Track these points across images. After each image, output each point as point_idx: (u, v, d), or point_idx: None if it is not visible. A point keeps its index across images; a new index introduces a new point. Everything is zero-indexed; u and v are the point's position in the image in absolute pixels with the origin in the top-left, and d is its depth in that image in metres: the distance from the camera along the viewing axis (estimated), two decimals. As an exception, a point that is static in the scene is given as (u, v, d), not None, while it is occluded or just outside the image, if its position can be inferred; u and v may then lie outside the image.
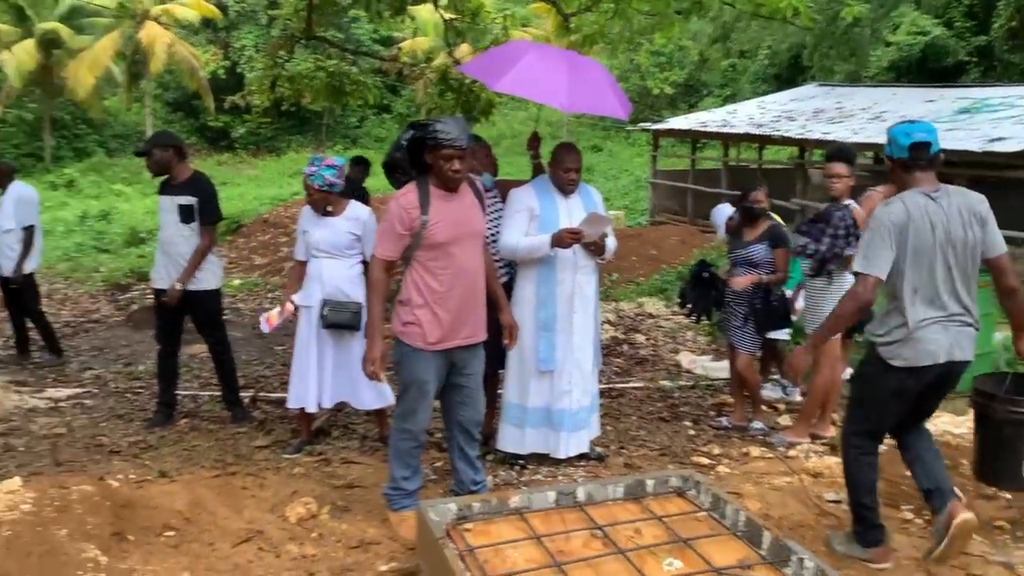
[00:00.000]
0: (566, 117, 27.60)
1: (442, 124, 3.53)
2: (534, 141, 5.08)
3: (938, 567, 3.41)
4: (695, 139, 18.40)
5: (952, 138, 11.19)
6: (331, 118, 31.43)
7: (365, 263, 4.56)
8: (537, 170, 4.98)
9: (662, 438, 5.21)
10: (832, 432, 5.04)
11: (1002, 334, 6.01)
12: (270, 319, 4.81)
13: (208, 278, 5.23)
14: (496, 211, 4.63)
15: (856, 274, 3.32)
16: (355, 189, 7.69)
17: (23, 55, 23.66)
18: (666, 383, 6.45)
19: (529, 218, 4.41)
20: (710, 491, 3.31)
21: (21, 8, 24.59)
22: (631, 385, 6.40)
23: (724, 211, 6.06)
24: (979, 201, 3.32)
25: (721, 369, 6.47)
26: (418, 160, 3.64)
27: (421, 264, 3.64)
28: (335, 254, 4.64)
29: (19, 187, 6.87)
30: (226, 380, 5.49)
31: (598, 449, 4.83)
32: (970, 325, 3.32)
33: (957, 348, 3.28)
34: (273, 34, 22.31)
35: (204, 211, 5.16)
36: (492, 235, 4.49)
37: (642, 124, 20.21)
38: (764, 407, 5.60)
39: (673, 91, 29.92)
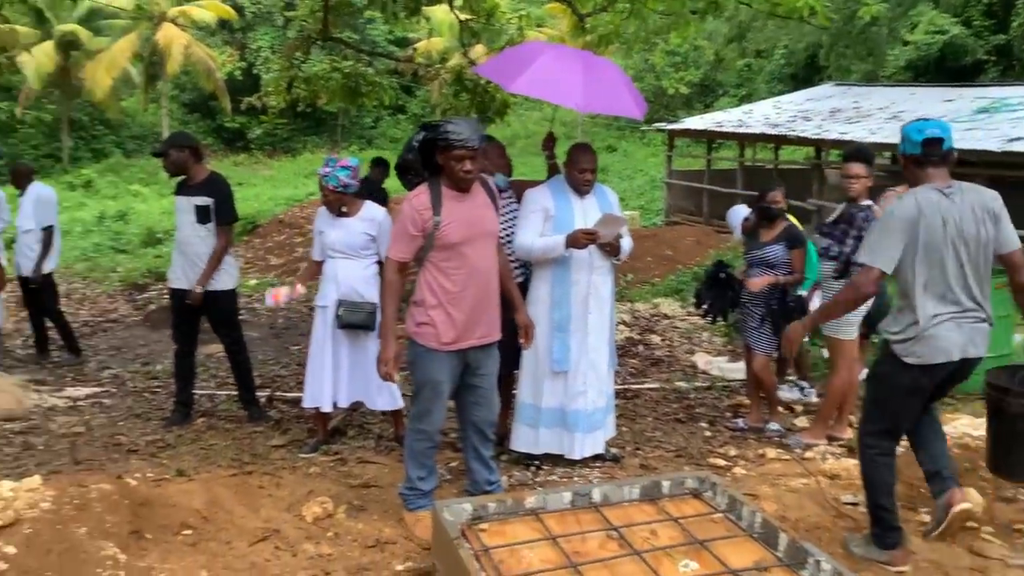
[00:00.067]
0: (581, 117, 27.58)
1: (453, 125, 3.53)
2: (549, 141, 5.08)
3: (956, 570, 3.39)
4: (710, 139, 18.34)
5: (971, 138, 11.10)
6: (346, 119, 31.57)
7: (381, 263, 4.57)
8: (552, 170, 4.97)
9: (678, 439, 5.20)
10: (849, 434, 5.01)
11: (1021, 336, 5.97)
12: (277, 295, 4.83)
13: (224, 278, 5.26)
14: (511, 212, 4.63)
15: (860, 265, 3.34)
16: (375, 190, 7.72)
17: (42, 57, 23.88)
18: (682, 384, 6.43)
19: (544, 218, 4.40)
20: (726, 492, 3.29)
21: (40, 10, 24.81)
22: (646, 386, 6.38)
23: (740, 212, 6.05)
24: (992, 198, 3.32)
25: (737, 370, 6.45)
26: (430, 161, 3.65)
27: (434, 265, 3.65)
28: (350, 254, 4.66)
29: (38, 188, 6.93)
30: (242, 380, 5.52)
31: (613, 450, 4.82)
32: (984, 321, 3.32)
33: (971, 345, 3.28)
34: (289, 35, 22.39)
35: (220, 212, 5.19)
36: (507, 235, 4.49)
37: (657, 124, 20.16)
38: (781, 408, 5.57)
39: (688, 91, 29.85)
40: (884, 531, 3.45)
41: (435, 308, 3.65)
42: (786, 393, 5.91)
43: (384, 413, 4.94)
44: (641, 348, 7.59)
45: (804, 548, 2.83)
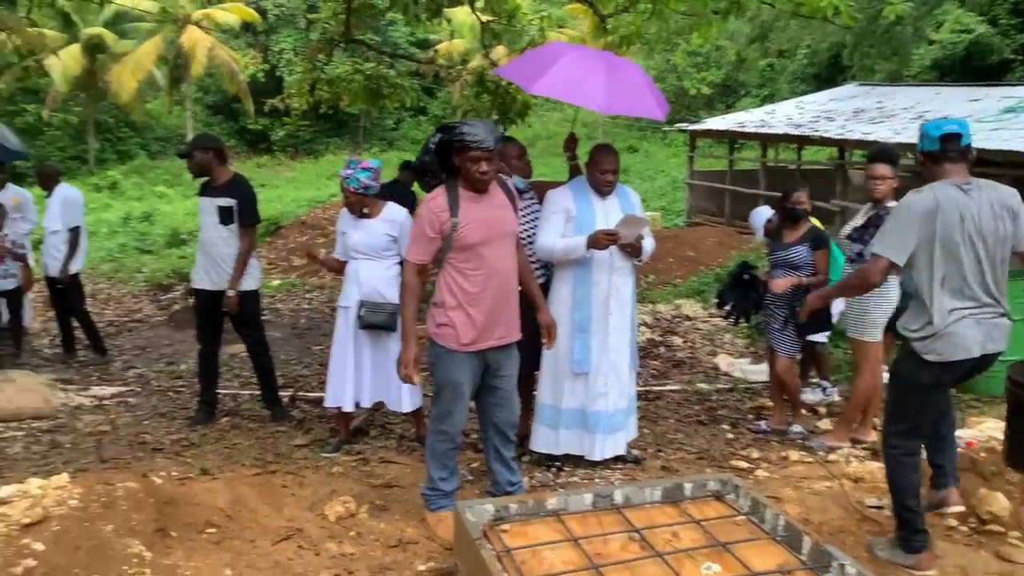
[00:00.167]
0: (602, 118, 27.53)
1: (469, 126, 3.54)
2: (571, 142, 5.07)
3: None
4: (732, 140, 18.24)
5: (997, 138, 10.95)
6: (368, 121, 31.71)
7: (402, 264, 4.59)
8: (574, 171, 4.97)
9: (700, 441, 5.18)
10: (873, 436, 4.96)
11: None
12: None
13: (247, 279, 5.29)
14: (533, 213, 4.63)
15: (872, 255, 3.39)
16: (403, 192, 7.73)
17: (69, 60, 24.16)
18: (704, 386, 6.40)
19: (565, 219, 4.40)
20: (749, 495, 3.28)
21: (67, 14, 25.11)
22: (668, 388, 6.36)
23: (763, 214, 6.01)
24: (1011, 195, 3.32)
25: (760, 372, 6.41)
26: (447, 163, 3.66)
27: (453, 266, 3.66)
28: (372, 255, 4.68)
29: (64, 189, 7.02)
30: (265, 380, 5.56)
31: (635, 452, 4.80)
32: (1002, 316, 3.33)
33: (990, 341, 3.29)
34: (312, 38, 22.56)
35: (243, 213, 5.23)
36: (528, 237, 4.50)
37: (679, 125, 20.07)
38: (804, 411, 5.53)
39: (710, 91, 29.72)
40: (910, 534, 3.41)
41: (454, 309, 3.66)
42: (809, 395, 5.87)
43: (405, 413, 4.96)
44: (663, 350, 7.57)
45: (828, 551, 2.81)
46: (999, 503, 3.75)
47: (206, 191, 5.32)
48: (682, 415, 5.72)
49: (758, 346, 7.25)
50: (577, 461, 4.60)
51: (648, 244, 4.53)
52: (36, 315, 8.37)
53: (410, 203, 7.11)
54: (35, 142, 25.10)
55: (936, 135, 3.30)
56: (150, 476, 3.75)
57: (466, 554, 2.99)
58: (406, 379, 3.72)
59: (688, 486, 3.39)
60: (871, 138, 12.66)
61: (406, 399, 4.72)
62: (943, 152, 3.30)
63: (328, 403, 4.84)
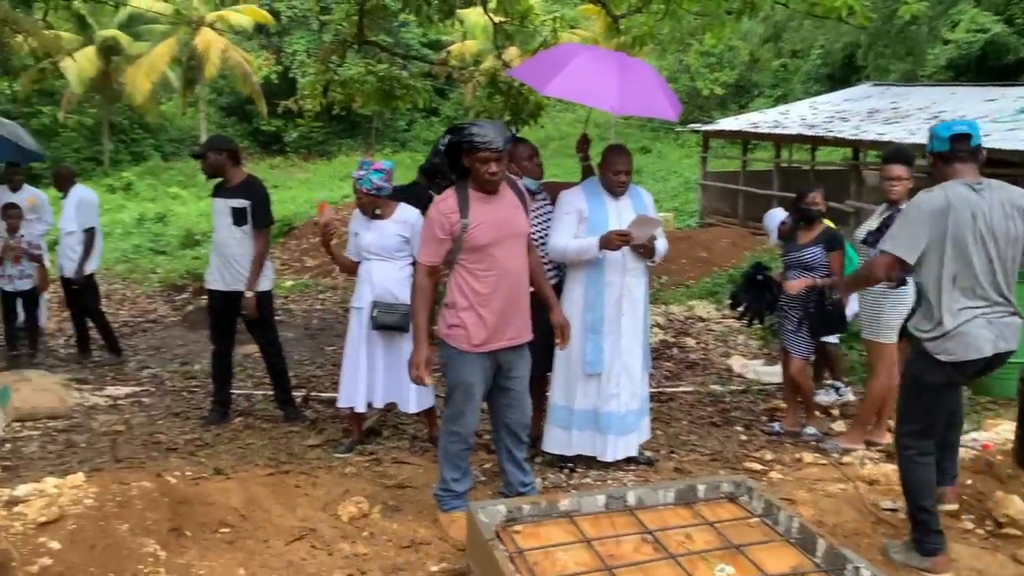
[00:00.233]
0: (614, 119, 27.49)
1: (478, 127, 3.55)
2: (584, 143, 5.07)
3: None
4: (746, 140, 18.17)
5: (1013, 138, 10.87)
6: (380, 122, 31.78)
7: (415, 264, 4.60)
8: (587, 172, 4.96)
9: (713, 443, 5.16)
10: (888, 439, 4.93)
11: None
12: (324, 205, 5.11)
13: (260, 280, 5.31)
14: (545, 214, 4.63)
15: (879, 251, 3.41)
16: (422, 195, 7.71)
17: (84, 62, 24.31)
18: (717, 387, 6.38)
19: (578, 220, 4.40)
20: (763, 497, 3.27)
21: (83, 17, 25.29)
22: (681, 389, 6.35)
23: (776, 216, 5.98)
24: (1021, 195, 3.33)
25: (773, 373, 6.38)
26: (456, 164, 3.67)
27: (464, 267, 3.66)
28: (385, 256, 4.69)
29: (80, 190, 7.08)
30: (278, 380, 5.58)
31: (648, 453, 4.79)
32: (1014, 315, 3.33)
33: (1002, 340, 3.29)
34: (325, 39, 22.62)
35: (256, 214, 5.25)
36: (541, 238, 4.49)
37: (692, 125, 20.02)
38: (818, 412, 5.51)
39: (723, 92, 29.62)
40: (925, 535, 3.40)
41: (466, 310, 3.66)
42: (823, 397, 5.84)
43: (418, 413, 4.97)
44: (676, 351, 7.55)
45: (843, 554, 2.79)
46: (1016, 506, 3.72)
47: (219, 192, 5.34)
48: (695, 417, 5.70)
49: (771, 347, 7.22)
50: (590, 462, 4.60)
51: (661, 245, 4.52)
52: (51, 315, 8.44)
53: (425, 206, 7.10)
54: (51, 143, 25.28)
55: (946, 136, 3.32)
56: (164, 476, 3.77)
57: (479, 555, 2.99)
58: (417, 381, 3.72)
59: (701, 488, 3.38)
60: (886, 139, 12.59)
61: (413, 399, 4.72)
62: (953, 153, 3.32)
63: (341, 403, 4.86)
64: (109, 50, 25.81)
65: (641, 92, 4.47)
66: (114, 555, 3.00)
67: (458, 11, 8.18)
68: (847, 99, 17.98)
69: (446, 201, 3.63)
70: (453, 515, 3.76)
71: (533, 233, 4.12)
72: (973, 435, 4.93)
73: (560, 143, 27.88)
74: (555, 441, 4.57)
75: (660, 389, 6.23)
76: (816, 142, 15.60)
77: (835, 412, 5.75)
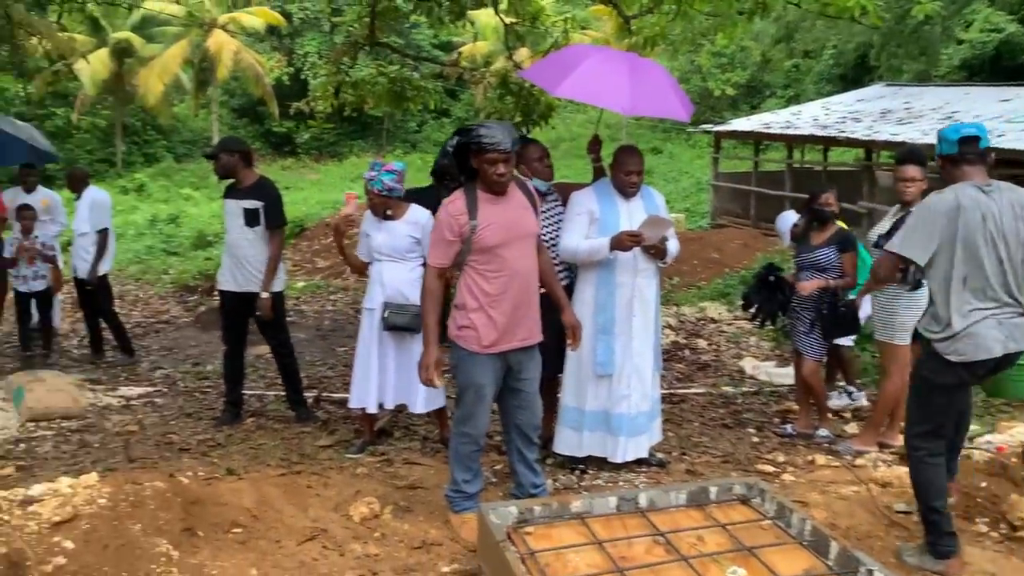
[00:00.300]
0: (625, 119, 27.45)
1: (486, 128, 3.55)
2: (595, 144, 5.06)
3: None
4: (758, 141, 18.12)
5: (1028, 138, 10.81)
6: (391, 123, 31.84)
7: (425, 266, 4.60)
8: (598, 173, 4.95)
9: (725, 445, 5.14)
10: (901, 441, 4.89)
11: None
12: (352, 198, 5.16)
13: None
14: (556, 215, 4.63)
15: (886, 250, 3.44)
16: (436, 197, 7.72)
17: (97, 64, 24.47)
18: (729, 389, 6.37)
19: (589, 221, 4.39)
20: (775, 499, 3.25)
21: (96, 19, 25.44)
22: (693, 391, 6.33)
23: (789, 218, 5.96)
24: None
25: (785, 375, 6.35)
26: (465, 166, 3.67)
27: (474, 268, 3.66)
28: (396, 257, 4.70)
29: (93, 192, 7.12)
30: (289, 381, 5.59)
31: (659, 455, 4.78)
32: (1023, 315, 3.32)
33: (1012, 340, 3.29)
34: (336, 41, 22.67)
35: (269, 215, 5.27)
36: (552, 239, 4.49)
37: (703, 126, 19.95)
38: (830, 414, 5.48)
39: (735, 92, 29.52)
40: (938, 537, 3.38)
41: (475, 311, 3.66)
42: (835, 400, 5.80)
43: (429, 415, 4.97)
44: (687, 352, 7.53)
45: (856, 556, 2.78)
46: (1029, 509, 3.70)
47: (231, 193, 5.36)
48: (707, 418, 5.68)
49: (784, 349, 7.20)
50: (601, 464, 4.59)
51: (672, 246, 4.50)
52: (65, 316, 8.50)
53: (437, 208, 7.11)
54: (64, 145, 25.45)
55: (955, 139, 3.34)
56: (177, 476, 3.78)
57: (490, 556, 2.99)
58: (427, 382, 3.72)
59: (713, 490, 3.37)
60: (899, 139, 12.53)
61: (421, 400, 4.72)
62: (962, 155, 3.33)
63: (352, 404, 4.86)
64: (122, 52, 25.95)
65: (652, 93, 4.47)
66: (127, 555, 3.02)
67: (469, 12, 8.19)
68: (860, 99, 17.90)
69: (455, 203, 3.64)
70: (464, 516, 3.76)
71: (544, 234, 4.11)
72: (987, 437, 4.90)
73: (571, 144, 27.87)
74: (566, 442, 4.56)
75: (672, 391, 6.21)
76: (828, 143, 15.54)
77: (847, 415, 5.72)
